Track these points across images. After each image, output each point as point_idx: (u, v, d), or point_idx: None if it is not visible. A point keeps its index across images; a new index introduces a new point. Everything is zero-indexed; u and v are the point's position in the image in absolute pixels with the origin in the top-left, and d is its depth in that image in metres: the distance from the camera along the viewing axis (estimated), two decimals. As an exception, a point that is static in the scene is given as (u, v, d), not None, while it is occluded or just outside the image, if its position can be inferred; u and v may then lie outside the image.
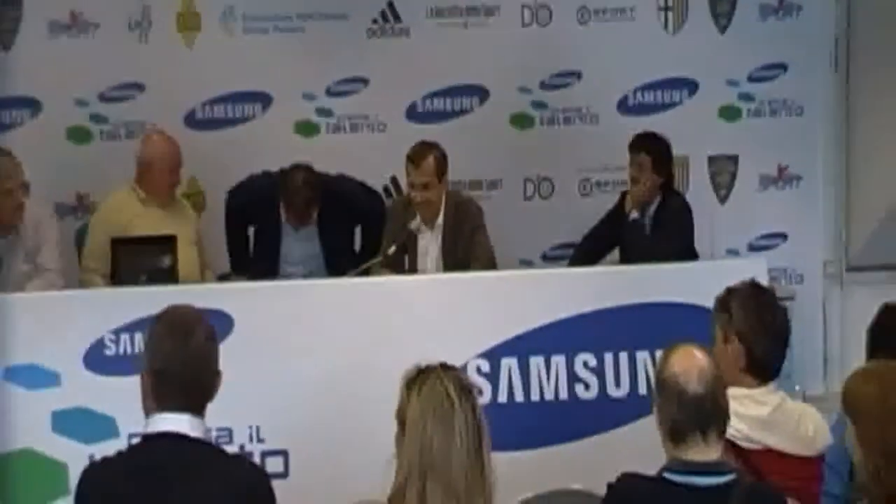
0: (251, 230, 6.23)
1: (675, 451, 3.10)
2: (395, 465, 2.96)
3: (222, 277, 6.11)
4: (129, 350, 4.69)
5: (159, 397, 3.06)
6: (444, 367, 2.99)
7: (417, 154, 5.79)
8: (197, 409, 3.05)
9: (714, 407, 3.06)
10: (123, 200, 5.92)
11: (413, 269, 5.82)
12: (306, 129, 6.66)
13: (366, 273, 5.59)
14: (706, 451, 3.07)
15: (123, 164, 6.04)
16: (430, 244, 5.90)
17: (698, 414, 3.04)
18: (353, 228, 6.26)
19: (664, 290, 5.07)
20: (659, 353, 5.11)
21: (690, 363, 3.08)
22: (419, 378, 2.97)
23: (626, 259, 6.09)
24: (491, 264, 5.82)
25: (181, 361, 3.04)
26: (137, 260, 5.23)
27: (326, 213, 6.06)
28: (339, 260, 5.98)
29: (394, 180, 6.63)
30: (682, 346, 3.15)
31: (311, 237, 6.10)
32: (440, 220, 5.88)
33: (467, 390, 2.94)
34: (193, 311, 3.17)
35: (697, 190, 6.99)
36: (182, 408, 3.03)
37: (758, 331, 3.66)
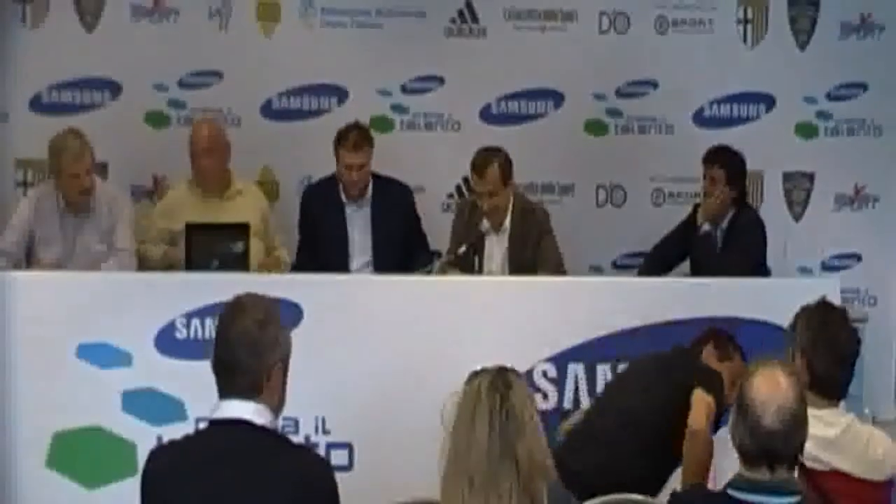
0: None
1: (743, 467, 3.07)
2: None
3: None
4: (199, 334, 4.74)
5: (216, 380, 3.05)
6: (489, 369, 2.97)
7: (481, 163, 5.76)
8: (243, 394, 2.99)
9: (785, 446, 2.92)
10: (182, 198, 5.96)
11: (479, 271, 5.82)
12: (381, 124, 6.65)
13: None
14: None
15: (199, 151, 6.09)
16: (495, 247, 5.89)
17: (767, 449, 2.91)
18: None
19: (734, 305, 5.03)
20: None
21: (772, 394, 2.92)
22: (463, 386, 2.98)
23: (696, 272, 6.02)
24: (559, 269, 5.80)
25: (223, 344, 3.02)
26: (210, 246, 5.26)
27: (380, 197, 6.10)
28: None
29: (466, 180, 6.63)
30: (769, 369, 2.97)
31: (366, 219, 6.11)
32: (507, 223, 5.86)
33: (497, 385, 2.91)
34: (252, 298, 3.11)
35: (771, 206, 6.91)
36: (230, 392, 3.00)
37: (818, 348, 3.62)
